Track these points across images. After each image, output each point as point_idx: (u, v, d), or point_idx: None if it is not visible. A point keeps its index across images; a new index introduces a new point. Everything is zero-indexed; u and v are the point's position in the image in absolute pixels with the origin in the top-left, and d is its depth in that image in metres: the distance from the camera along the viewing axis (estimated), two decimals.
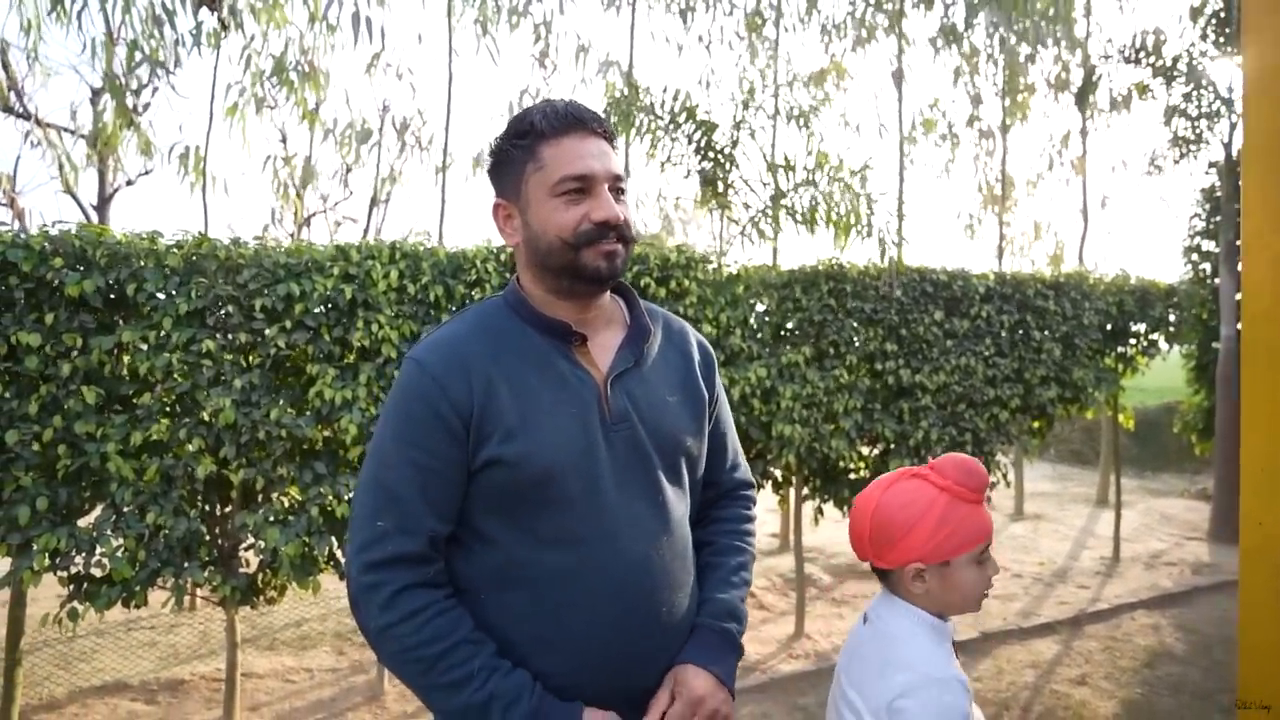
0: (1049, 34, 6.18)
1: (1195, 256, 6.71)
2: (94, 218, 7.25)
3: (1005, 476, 4.61)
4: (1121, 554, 5.61)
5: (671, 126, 4.08)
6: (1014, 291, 4.51)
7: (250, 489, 2.98)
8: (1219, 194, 6.39)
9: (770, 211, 3.99)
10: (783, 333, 3.94)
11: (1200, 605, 4.63)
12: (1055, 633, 4.18)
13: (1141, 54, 6.32)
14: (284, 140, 6.70)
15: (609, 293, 1.12)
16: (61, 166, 5.69)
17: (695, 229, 10.11)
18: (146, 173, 6.38)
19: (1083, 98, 6.58)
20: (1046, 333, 4.64)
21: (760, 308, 3.88)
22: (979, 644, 4.00)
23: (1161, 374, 7.31)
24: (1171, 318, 5.43)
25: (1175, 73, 6.32)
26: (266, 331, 2.82)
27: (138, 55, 4.51)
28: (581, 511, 0.98)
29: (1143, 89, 6.52)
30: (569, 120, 1.02)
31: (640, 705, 1.00)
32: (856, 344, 4.00)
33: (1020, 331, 4.56)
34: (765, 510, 6.95)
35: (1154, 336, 5.42)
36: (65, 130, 6.27)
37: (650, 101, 4.09)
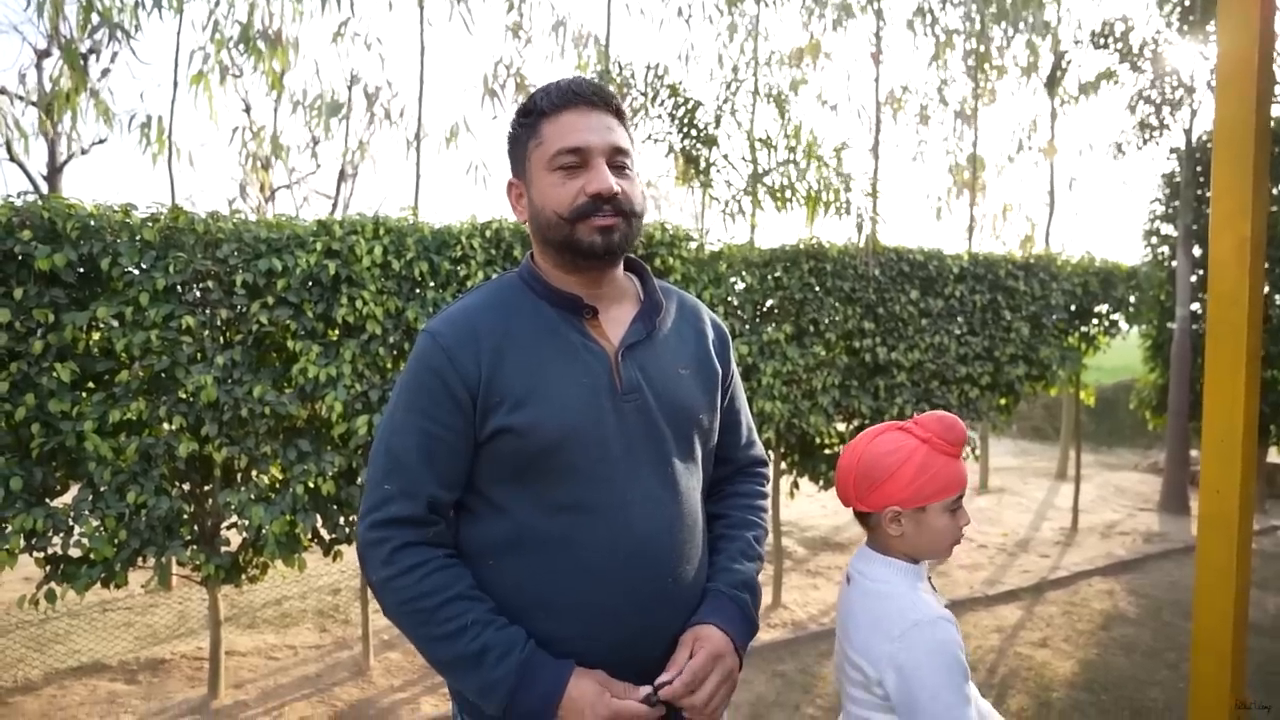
0: (1020, 18, 6.28)
1: (1154, 240, 6.95)
2: (44, 187, 6.95)
3: (974, 450, 4.77)
4: (1079, 525, 5.87)
5: (653, 103, 4.07)
6: (986, 272, 4.64)
7: (232, 467, 2.95)
8: (1179, 179, 6.60)
9: (751, 189, 4.02)
10: (764, 310, 3.99)
11: (1151, 571, 4.89)
12: (1018, 599, 4.38)
13: (1109, 39, 6.47)
14: (248, 110, 6.49)
15: (623, 269, 1.13)
16: (7, 134, 5.43)
17: (668, 206, 10.09)
18: (101, 141, 6.13)
19: (1052, 82, 6.73)
20: (1016, 312, 4.78)
21: (741, 286, 3.93)
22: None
23: (1117, 354, 7.61)
24: (1132, 299, 5.64)
25: (1140, 59, 6.49)
26: (248, 307, 2.77)
27: (94, 18, 4.31)
28: (590, 480, 0.99)
29: (1109, 75, 6.68)
30: (568, 95, 1.02)
31: (647, 675, 1.00)
32: (835, 322, 4.08)
33: (991, 311, 4.69)
34: None
35: (1115, 317, 5.63)
36: (14, 96, 5.98)
37: (630, 76, 4.06)
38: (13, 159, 6.27)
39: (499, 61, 5.27)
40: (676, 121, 4.05)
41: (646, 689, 0.98)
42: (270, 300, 2.80)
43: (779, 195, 3.90)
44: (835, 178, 3.76)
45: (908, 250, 4.31)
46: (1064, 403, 7.86)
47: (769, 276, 3.92)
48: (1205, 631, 1.97)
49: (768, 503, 1.24)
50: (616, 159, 1.03)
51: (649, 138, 4.21)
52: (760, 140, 3.92)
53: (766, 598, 4.36)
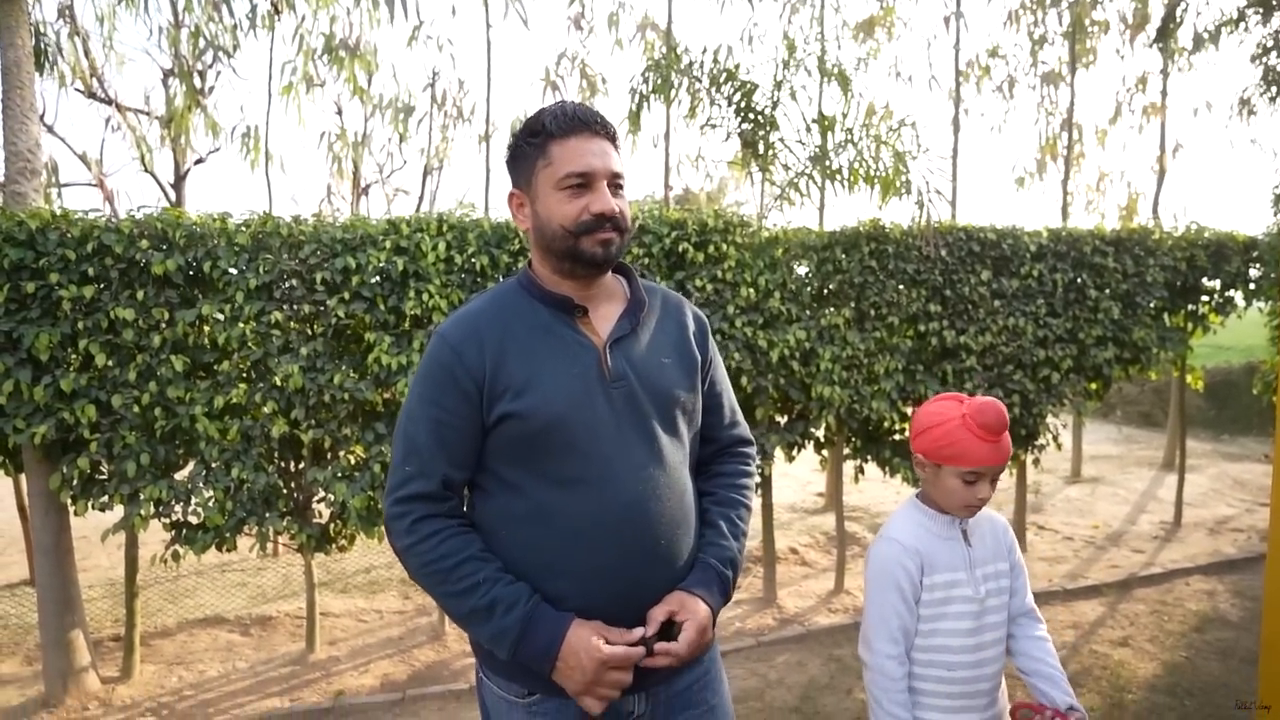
0: None
1: None
2: (171, 195, 7.76)
3: (1056, 439, 4.52)
4: (1184, 519, 5.43)
5: (712, 89, 4.07)
6: (1069, 249, 4.35)
7: (320, 447, 3.26)
8: None
9: (810, 172, 3.96)
10: (823, 294, 3.94)
11: (1263, 572, 4.47)
12: (1101, 595, 4.14)
13: None
14: (340, 113, 6.95)
15: (612, 272, 1.27)
16: (139, 147, 6.10)
17: (737, 189, 9.96)
18: (215, 150, 6.76)
19: (1164, 34, 6.12)
20: (1105, 291, 4.46)
21: (800, 270, 3.89)
22: None
23: (1246, 330, 6.89)
24: (1253, 272, 5.10)
25: (1277, 1, 5.78)
26: (327, 302, 3.05)
27: (201, 41, 4.77)
28: (585, 456, 1.13)
29: (1235, 21, 5.99)
30: (576, 122, 1.15)
31: (641, 623, 1.14)
32: (899, 305, 3.97)
33: (1075, 290, 4.40)
34: (810, 470, 7.01)
35: (1230, 293, 5.12)
36: (141, 112, 6.69)
37: (689, 63, 4.07)
38: (146, 170, 7.05)
39: (562, 54, 5.42)
40: (733, 105, 4.04)
41: (639, 631, 1.12)
42: (347, 295, 3.07)
43: (837, 176, 3.82)
44: (892, 157, 3.64)
45: (978, 229, 4.11)
46: (1172, 386, 7.23)
47: (828, 260, 3.86)
48: (1275, 660, 1.85)
49: (753, 480, 1.36)
50: (614, 182, 1.17)
51: (708, 123, 4.22)
52: (814, 121, 3.84)
53: (829, 583, 4.34)
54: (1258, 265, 5.12)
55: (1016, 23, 6.13)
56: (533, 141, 1.17)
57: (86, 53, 5.96)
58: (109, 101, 6.56)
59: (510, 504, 1.16)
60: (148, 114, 6.35)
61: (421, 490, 1.13)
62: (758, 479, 3.80)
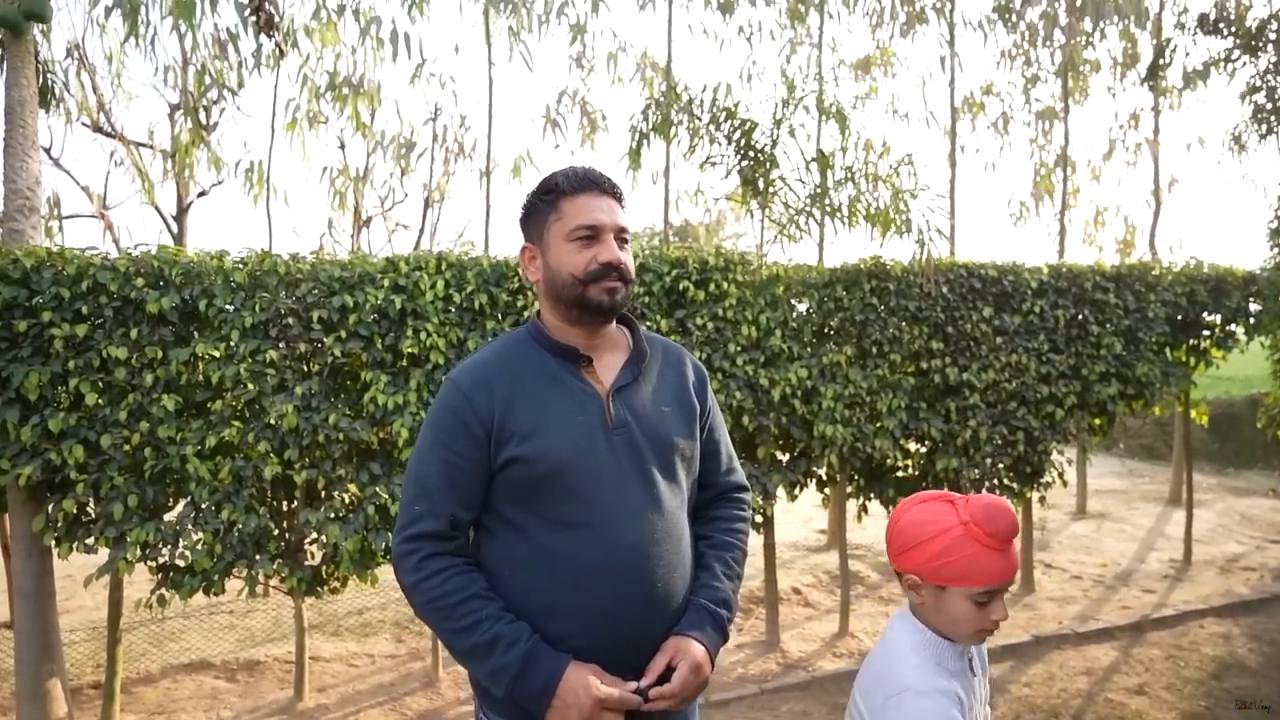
0: (1114, 7, 5.85)
1: None
2: (174, 227, 7.79)
3: (1061, 476, 4.45)
4: (1194, 556, 5.34)
5: (711, 126, 4.09)
6: (1070, 285, 4.34)
7: (313, 488, 3.19)
8: None
9: (810, 209, 3.96)
10: (824, 332, 3.91)
11: (1279, 614, 4.38)
12: (1114, 639, 4.04)
13: (1221, 23, 5.91)
14: (342, 147, 7.01)
15: (616, 323, 1.32)
16: (143, 181, 6.12)
17: (749, 222, 10.04)
18: (219, 183, 6.79)
19: (1154, 73, 6.21)
20: (1106, 327, 4.45)
21: (801, 308, 3.87)
22: (1030, 648, 3.91)
23: (1247, 361, 6.86)
24: (1253, 306, 5.10)
25: (1261, 40, 5.88)
26: (324, 340, 3.01)
27: (206, 79, 4.82)
28: (587, 500, 1.17)
29: (1220, 61, 6.09)
30: (586, 181, 1.24)
31: (640, 670, 1.17)
32: (900, 342, 3.94)
33: (1077, 327, 4.39)
34: (812, 507, 6.91)
35: (1231, 328, 5.10)
36: (145, 146, 6.75)
37: (689, 100, 4.10)
38: (150, 203, 7.08)
39: (563, 92, 5.47)
40: (733, 144, 4.06)
41: (634, 684, 1.15)
42: (344, 334, 3.03)
43: (837, 214, 3.83)
44: (892, 195, 3.65)
45: (979, 265, 4.11)
46: (1175, 420, 7.18)
47: (829, 298, 3.84)
48: None
49: (747, 525, 1.40)
50: (620, 236, 1.25)
51: (707, 160, 4.24)
52: (813, 160, 3.85)
53: (833, 625, 4.23)
54: (1257, 300, 5.12)
55: (1011, 61, 6.23)
56: (545, 199, 1.24)
57: (94, 89, 6.03)
58: (114, 135, 6.62)
59: (514, 546, 1.20)
60: (152, 148, 6.40)
61: (430, 529, 1.17)
62: (757, 520, 3.77)
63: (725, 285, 3.58)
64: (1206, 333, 5.02)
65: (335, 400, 3.10)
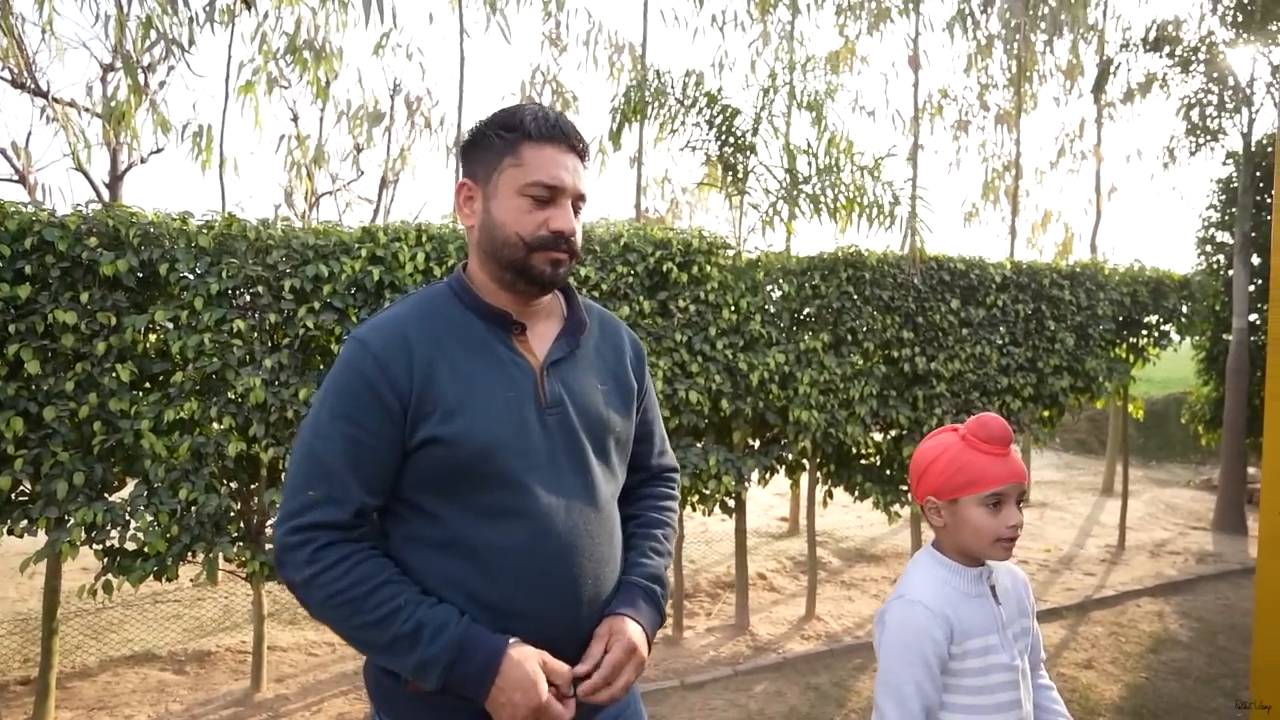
0: (1065, 22, 6.13)
1: (1209, 248, 6.70)
2: (105, 195, 7.27)
3: None
4: (1127, 542, 5.67)
5: (693, 111, 4.08)
6: (1029, 281, 4.53)
7: (278, 467, 3.03)
8: (1235, 185, 6.36)
9: (790, 198, 4.00)
10: (801, 319, 3.96)
11: (1204, 593, 4.70)
12: (1061, 618, 4.25)
13: (1161, 42, 6.26)
14: (295, 120, 6.69)
15: None
16: (75, 142, 5.69)
17: (703, 214, 10.09)
18: (158, 151, 6.38)
19: (1098, 87, 6.54)
20: (1061, 322, 4.66)
21: (779, 294, 3.90)
22: None
23: (1167, 365, 7.34)
24: (1184, 309, 5.45)
25: (1194, 62, 6.27)
26: (296, 311, 2.86)
27: (152, 33, 4.50)
28: (517, 488, 1.03)
29: (1155, 79, 6.46)
30: (556, 131, 1.07)
31: (569, 664, 1.06)
32: (874, 331, 4.03)
33: (1035, 321, 4.58)
34: (773, 494, 7.02)
35: (1165, 328, 5.44)
36: (79, 107, 6.26)
37: (668, 84, 4.08)
38: (78, 168, 6.58)
39: (536, 69, 5.37)
40: (714, 129, 4.06)
41: (579, 667, 1.03)
42: (316, 305, 2.88)
43: (820, 203, 3.87)
44: (879, 187, 3.72)
45: (949, 259, 4.24)
46: (1111, 416, 7.62)
47: (806, 285, 3.89)
48: (1266, 656, 1.89)
49: (676, 504, 1.31)
50: (577, 202, 1.10)
51: (686, 145, 4.23)
52: (800, 149, 3.89)
53: (799, 609, 4.31)
54: (1188, 302, 5.47)
55: (973, 66, 6.45)
56: (504, 136, 1.07)
57: (18, 40, 5.56)
58: (39, 93, 6.12)
59: (428, 534, 1.04)
60: (77, 107, 5.93)
61: (328, 519, 1.00)
62: (729, 504, 3.79)
63: (708, 268, 3.58)
64: (1145, 332, 5.33)
65: (305, 375, 2.95)
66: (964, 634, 1.22)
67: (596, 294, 3.36)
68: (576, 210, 1.09)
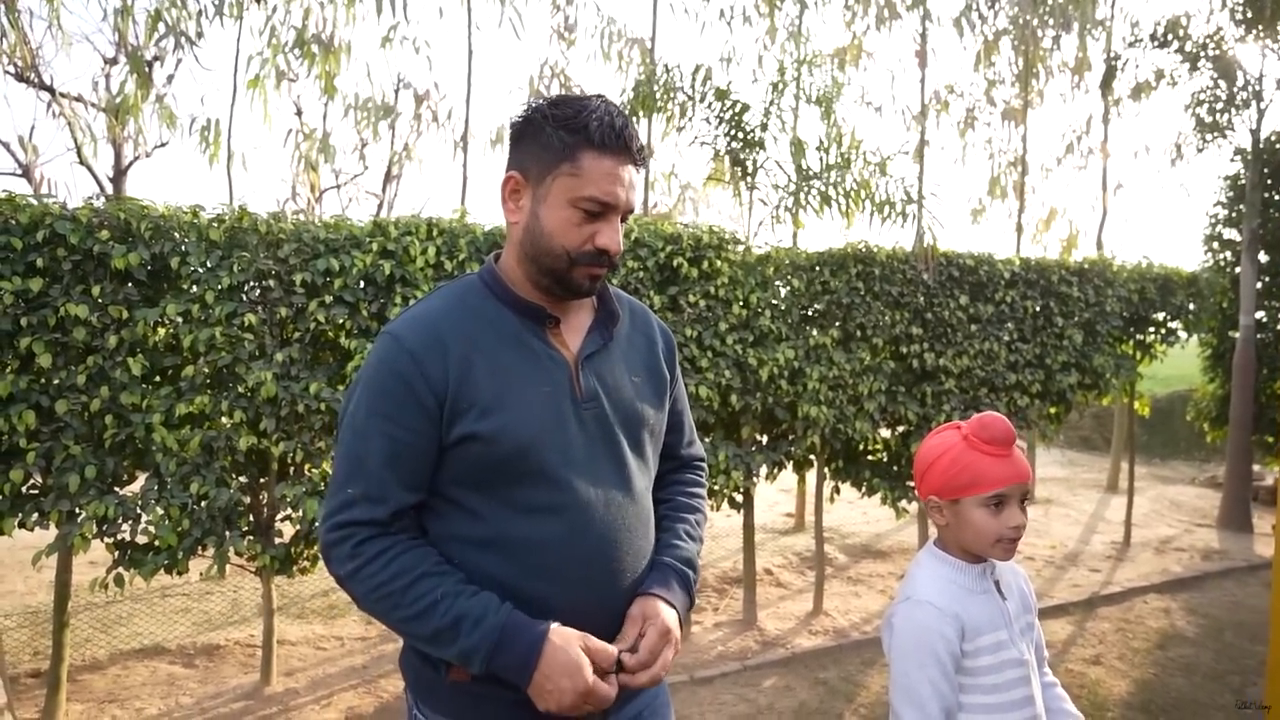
0: (1073, 17, 6.10)
1: (1216, 245, 6.68)
2: (109, 189, 7.26)
3: None
4: (1132, 539, 5.67)
5: (701, 105, 4.06)
6: (1038, 277, 4.52)
7: (288, 461, 3.03)
8: (1244, 182, 6.34)
9: (801, 194, 3.99)
10: (811, 314, 3.95)
11: (1210, 590, 4.70)
12: (1068, 614, 4.25)
13: (1170, 38, 6.23)
14: (299, 114, 6.67)
15: None
16: (80, 136, 5.67)
17: (706, 208, 10.08)
18: (163, 144, 6.36)
19: (1106, 83, 6.52)
20: (1069, 319, 4.65)
21: (787, 289, 3.89)
22: None
23: (1171, 363, 7.32)
24: (1191, 306, 5.44)
25: (1202, 58, 6.24)
26: (306, 305, 2.85)
27: (161, 26, 4.49)
28: (555, 484, 1.02)
29: (1164, 76, 6.43)
30: (621, 143, 1.03)
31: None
32: (883, 327, 4.02)
33: (1043, 317, 4.57)
34: (779, 490, 7.03)
35: (1173, 325, 5.43)
36: (85, 101, 6.24)
37: (678, 79, 4.06)
38: (82, 162, 6.56)
39: (544, 63, 5.34)
40: (724, 124, 4.04)
41: (618, 646, 1.03)
42: (328, 299, 2.88)
43: (830, 199, 3.86)
44: (890, 184, 3.71)
45: (958, 255, 4.23)
46: (1116, 413, 7.60)
47: (816, 281, 3.88)
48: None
49: (705, 492, 1.30)
50: (626, 216, 1.08)
51: (695, 140, 4.21)
52: (809, 145, 3.88)
53: (807, 604, 4.31)
54: (1195, 300, 5.46)
55: (980, 62, 6.42)
56: (565, 137, 1.01)
57: (23, 34, 5.54)
58: (44, 87, 6.10)
59: (464, 526, 1.04)
60: (93, 104, 5.92)
61: (366, 517, 1.00)
62: (737, 499, 3.78)
63: (718, 263, 3.57)
64: (1152, 329, 5.32)
65: (315, 369, 2.94)
66: (975, 631, 1.21)
67: None
68: (623, 221, 1.07)
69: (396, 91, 5.83)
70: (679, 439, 1.27)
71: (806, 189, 3.95)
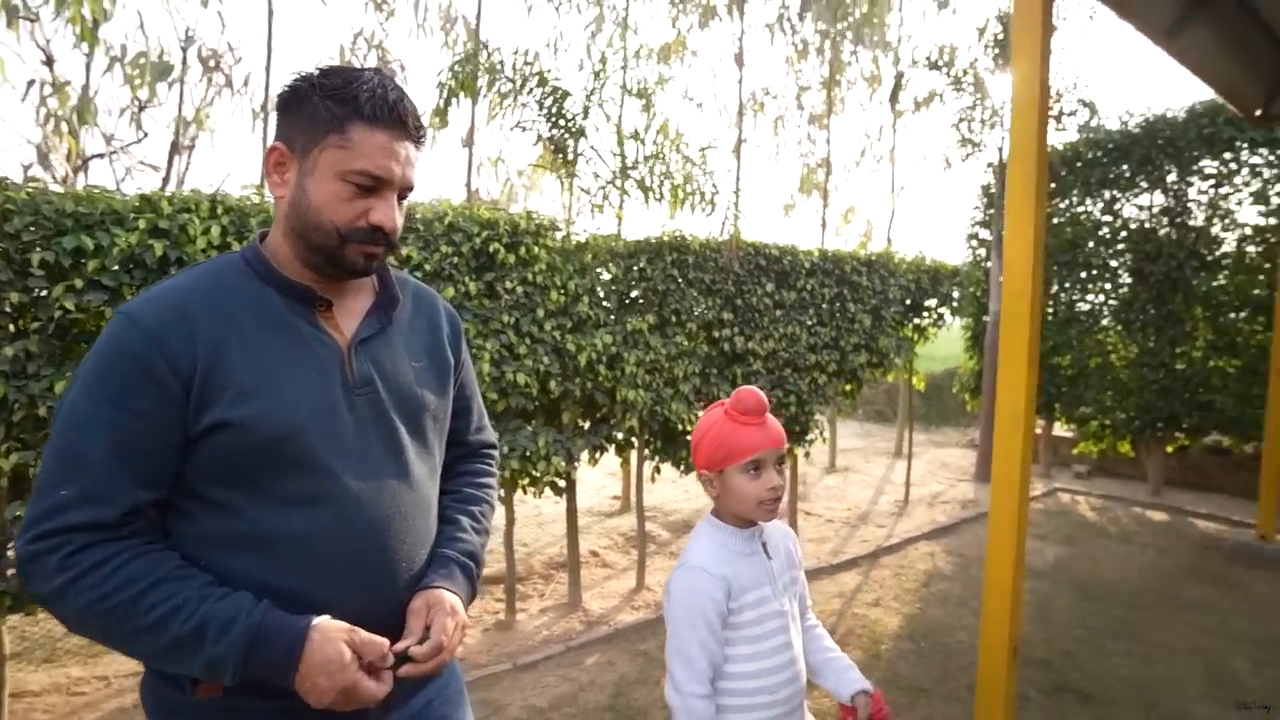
0: (867, 36, 6.82)
1: (974, 243, 7.85)
2: None
3: (822, 434, 5.17)
4: (911, 496, 6.56)
5: (522, 90, 4.02)
6: (834, 267, 5.03)
7: (24, 475, 2.59)
8: (993, 191, 7.50)
9: (618, 182, 4.09)
10: (628, 301, 4.09)
11: (965, 534, 5.57)
12: (858, 566, 4.83)
13: (941, 64, 7.19)
14: (49, 63, 5.64)
15: None
16: None
17: (539, 196, 10.01)
18: None
19: (893, 97, 7.39)
20: (859, 305, 5.23)
21: (606, 276, 3.99)
22: None
23: (946, 343, 8.54)
24: (955, 294, 6.36)
25: (963, 83, 7.28)
26: (48, 291, 2.44)
27: None
28: (321, 473, 0.98)
29: (936, 95, 7.43)
30: (394, 116, 0.99)
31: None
32: (696, 313, 4.26)
33: (838, 303, 5.10)
34: (605, 474, 7.22)
35: (942, 310, 6.32)
36: None
37: (499, 62, 3.98)
38: None
39: (359, 34, 4.97)
40: (544, 111, 4.03)
41: (400, 644, 0.99)
42: (79, 283, 2.49)
43: (647, 189, 4.00)
44: (702, 176, 3.92)
45: (764, 245, 4.58)
46: (900, 388, 8.69)
47: (634, 268, 4.01)
48: (993, 575, 2.31)
49: (495, 481, 1.29)
50: (404, 193, 1.04)
51: (517, 125, 4.16)
52: (629, 136, 3.99)
53: (630, 582, 4.49)
54: (958, 288, 6.39)
55: (793, 67, 6.97)
56: (333, 108, 0.97)
57: None
58: None
59: (216, 524, 0.96)
60: None
61: (85, 520, 0.89)
62: (559, 485, 3.84)
63: (536, 250, 3.57)
64: (925, 314, 6.15)
65: (61, 365, 2.54)
66: (741, 590, 1.33)
67: (420, 274, 3.23)
68: (401, 200, 1.03)
69: (184, 50, 5.12)
70: (466, 424, 1.26)
71: (624, 178, 4.06)
